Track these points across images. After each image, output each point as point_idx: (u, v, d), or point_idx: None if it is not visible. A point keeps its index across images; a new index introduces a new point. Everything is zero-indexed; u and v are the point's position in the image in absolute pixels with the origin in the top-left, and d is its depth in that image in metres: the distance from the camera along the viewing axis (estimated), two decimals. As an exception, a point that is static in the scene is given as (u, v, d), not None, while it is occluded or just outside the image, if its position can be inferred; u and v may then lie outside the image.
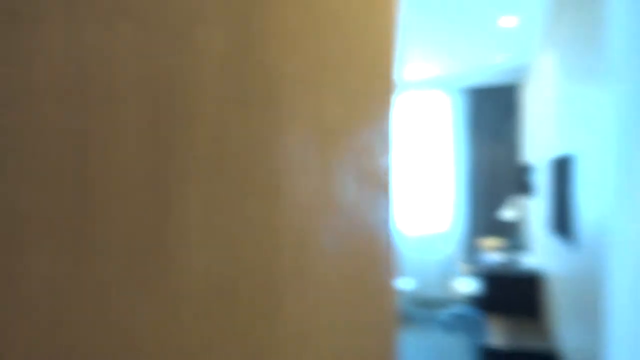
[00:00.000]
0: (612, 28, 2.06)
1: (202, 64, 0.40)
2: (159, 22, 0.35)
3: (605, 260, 2.13)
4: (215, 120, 0.41)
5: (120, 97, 0.32)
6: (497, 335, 3.63)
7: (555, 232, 3.45)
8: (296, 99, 0.55)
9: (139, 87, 0.34)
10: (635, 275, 1.76)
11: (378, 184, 0.96)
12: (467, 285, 5.15)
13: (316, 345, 0.62)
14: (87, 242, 0.30)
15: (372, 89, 0.93)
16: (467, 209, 6.12)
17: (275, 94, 0.51)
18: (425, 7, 3.90)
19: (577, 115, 2.79)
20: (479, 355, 3.40)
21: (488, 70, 5.76)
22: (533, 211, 4.73)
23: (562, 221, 3.16)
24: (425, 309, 5.80)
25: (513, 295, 4.12)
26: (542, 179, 4.13)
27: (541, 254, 4.18)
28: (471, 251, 6.08)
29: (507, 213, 5.45)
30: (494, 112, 6.04)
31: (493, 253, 5.05)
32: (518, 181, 5.98)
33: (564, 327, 3.15)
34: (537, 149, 4.46)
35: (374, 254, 0.86)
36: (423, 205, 6.31)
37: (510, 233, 5.83)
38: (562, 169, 3.13)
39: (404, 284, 5.50)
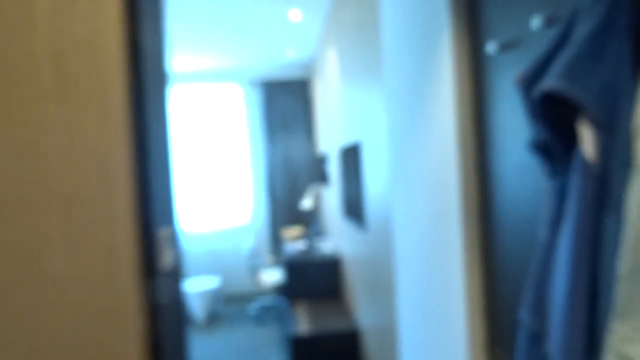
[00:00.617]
0: (384, 29, 2.19)
1: None
2: None
3: (392, 240, 2.27)
4: None
5: None
6: (302, 322, 3.71)
7: (347, 217, 3.66)
8: None
9: None
10: (406, 252, 1.90)
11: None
12: (273, 276, 5.20)
13: None
14: None
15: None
16: (268, 201, 6.20)
17: None
18: (213, -6, 3.73)
19: (360, 108, 2.95)
20: (287, 344, 3.42)
21: (281, 63, 5.88)
22: (329, 199, 4.99)
23: (353, 205, 3.35)
24: (233, 305, 5.69)
25: (315, 280, 4.28)
26: (334, 168, 4.36)
27: (338, 238, 4.42)
28: (275, 242, 6.19)
29: (307, 202, 5.67)
30: (289, 105, 6.21)
31: (294, 242, 5.19)
32: (316, 171, 6.27)
33: (362, 306, 3.35)
34: (329, 140, 4.69)
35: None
36: (222, 200, 6.17)
37: (311, 221, 6.10)
38: (350, 157, 3.31)
39: (207, 282, 5.30)
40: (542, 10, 1.04)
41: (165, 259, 1.50)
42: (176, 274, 1.68)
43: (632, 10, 0.73)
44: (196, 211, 6.13)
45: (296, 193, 6.20)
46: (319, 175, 5.74)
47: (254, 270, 5.07)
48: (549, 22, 0.98)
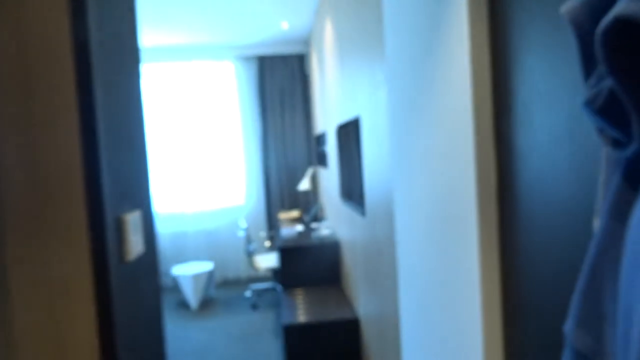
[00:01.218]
0: (384, 3, 1.94)
1: None
2: None
3: (394, 224, 2.06)
4: None
5: None
6: (298, 309, 3.52)
7: (346, 200, 3.44)
8: None
9: None
10: (409, 237, 1.69)
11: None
12: (269, 261, 5.01)
13: None
14: None
15: None
16: (263, 183, 5.97)
17: None
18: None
19: (358, 80, 2.71)
20: (282, 332, 3.23)
21: (276, 37, 5.60)
22: (327, 180, 4.77)
23: (351, 187, 3.13)
24: (228, 290, 5.52)
25: (313, 266, 4.08)
26: (332, 147, 4.12)
27: (337, 222, 4.21)
28: (271, 226, 5.98)
29: (304, 184, 5.45)
30: (285, 81, 5.94)
31: (291, 226, 4.99)
32: (314, 151, 6.03)
33: (361, 294, 3.16)
34: (327, 116, 4.45)
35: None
36: (215, 180, 5.95)
37: (308, 204, 5.88)
38: (349, 134, 3.08)
39: (201, 266, 5.11)
40: None
41: (131, 247, 1.28)
42: (147, 263, 1.46)
43: None
44: (188, 191, 5.92)
45: (293, 174, 5.98)
46: (317, 156, 5.51)
47: (249, 254, 4.88)
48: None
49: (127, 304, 1.26)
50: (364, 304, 3.05)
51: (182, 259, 5.87)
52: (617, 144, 0.65)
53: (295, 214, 5.52)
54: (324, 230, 4.39)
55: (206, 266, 5.20)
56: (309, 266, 4.08)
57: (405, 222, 1.85)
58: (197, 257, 5.89)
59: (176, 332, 4.37)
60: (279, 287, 5.02)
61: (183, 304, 5.10)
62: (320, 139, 5.10)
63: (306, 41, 5.88)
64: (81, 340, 1.06)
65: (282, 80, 5.96)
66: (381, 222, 2.34)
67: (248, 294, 5.30)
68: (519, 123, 1.08)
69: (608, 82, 0.62)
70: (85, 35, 1.02)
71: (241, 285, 5.73)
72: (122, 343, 1.17)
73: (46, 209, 1.04)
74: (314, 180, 5.79)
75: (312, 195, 5.80)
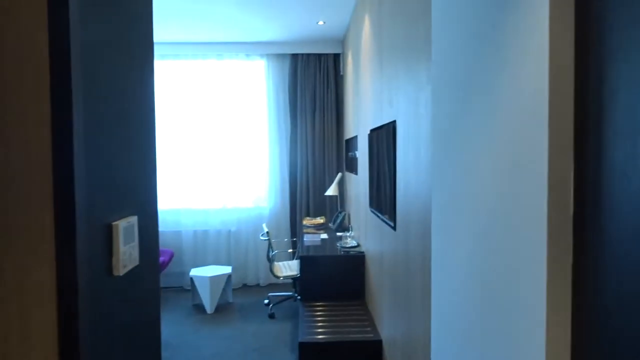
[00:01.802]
0: (435, 5, 1.69)
1: None
2: None
3: (430, 240, 1.80)
4: None
5: None
6: (318, 324, 3.28)
7: (375, 209, 3.19)
8: None
9: None
10: (448, 254, 1.43)
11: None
12: (290, 268, 4.78)
13: None
14: None
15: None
16: (289, 186, 5.76)
17: None
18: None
19: (397, 81, 2.46)
20: (300, 348, 2.99)
21: (311, 35, 5.39)
22: (355, 187, 4.53)
23: (382, 197, 2.88)
24: (245, 296, 5.32)
25: (335, 278, 3.84)
26: (362, 153, 3.88)
27: (363, 232, 3.96)
28: (295, 232, 5.76)
29: (331, 190, 5.21)
30: (317, 81, 5.72)
31: (315, 233, 4.76)
32: (343, 156, 5.79)
33: (387, 313, 2.90)
34: (359, 120, 4.21)
35: None
36: (239, 181, 5.77)
37: (334, 211, 5.64)
38: (381, 139, 2.83)
39: (218, 268, 4.93)
40: None
41: (121, 259, 1.07)
42: (143, 276, 1.25)
43: None
44: (212, 189, 5.75)
45: (320, 179, 5.74)
46: (346, 161, 5.27)
47: (269, 260, 4.66)
48: None
49: (113, 327, 1.04)
50: (388, 324, 2.79)
51: (201, 260, 5.70)
52: None
53: (320, 220, 5.28)
54: (349, 240, 4.14)
55: (224, 269, 5.01)
56: (332, 278, 3.84)
57: (445, 240, 1.59)
58: (216, 259, 5.71)
59: (189, 337, 4.19)
60: (299, 297, 4.79)
61: (199, 307, 4.92)
62: (350, 143, 4.86)
63: (341, 40, 5.65)
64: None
65: (314, 80, 5.74)
66: (414, 238, 2.09)
67: (266, 301, 5.08)
68: (618, 132, 0.81)
69: None
70: (62, 31, 0.82)
71: (259, 292, 5.52)
72: (99, 378, 0.96)
73: (7, 213, 0.83)
74: (341, 186, 5.54)
75: (338, 203, 5.55)
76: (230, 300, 5.12)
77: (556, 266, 0.94)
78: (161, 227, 5.67)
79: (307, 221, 5.30)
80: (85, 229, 0.90)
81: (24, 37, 0.82)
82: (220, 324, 4.49)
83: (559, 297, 0.94)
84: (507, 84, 1.11)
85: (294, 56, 5.70)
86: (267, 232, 4.67)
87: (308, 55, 5.70)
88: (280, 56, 5.75)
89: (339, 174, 5.34)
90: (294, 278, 4.62)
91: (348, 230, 4.62)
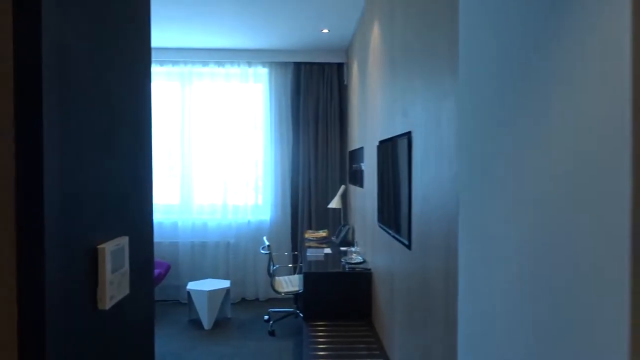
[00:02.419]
0: (463, 9, 1.54)
1: None
2: None
3: (454, 259, 1.63)
4: None
5: None
6: (321, 346, 3.09)
7: (384, 225, 3.01)
8: None
9: None
10: (484, 275, 1.26)
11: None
12: (292, 284, 4.59)
13: None
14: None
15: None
16: (291, 197, 5.58)
17: None
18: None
19: (412, 90, 2.30)
20: (302, 372, 2.80)
21: (315, 44, 5.25)
22: (361, 201, 4.35)
23: (393, 212, 2.71)
24: (244, 311, 5.12)
25: (340, 296, 3.65)
26: (370, 165, 3.71)
27: (370, 248, 3.78)
28: (296, 245, 5.57)
29: (334, 203, 5.04)
30: (321, 90, 5.57)
31: (319, 247, 4.57)
32: (347, 168, 5.63)
33: (399, 338, 2.71)
34: (365, 131, 4.05)
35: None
36: (239, 190, 5.59)
37: (338, 225, 5.46)
38: (393, 151, 2.66)
39: (216, 282, 4.74)
40: None
41: (107, 289, 0.90)
42: (135, 308, 1.07)
43: None
44: (210, 199, 5.58)
45: (323, 191, 5.57)
46: (351, 173, 5.10)
47: (270, 274, 4.48)
48: None
49: (94, 372, 0.86)
50: (400, 347, 2.60)
51: (198, 272, 5.50)
52: None
53: (322, 234, 5.10)
54: (354, 256, 3.96)
55: (223, 283, 4.82)
56: (336, 296, 3.65)
57: (478, 262, 1.42)
58: (214, 272, 5.51)
59: (185, 354, 3.98)
60: (300, 314, 4.59)
61: (195, 322, 4.72)
62: (355, 155, 4.70)
63: (346, 49, 5.52)
64: None
65: (318, 90, 5.59)
66: (435, 259, 1.91)
67: (266, 317, 4.88)
68: None
69: None
70: (33, 36, 0.66)
71: (259, 307, 5.32)
72: None
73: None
74: (345, 199, 5.37)
75: (342, 216, 5.37)
76: (229, 315, 4.91)
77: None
78: (157, 238, 5.48)
79: (309, 234, 5.12)
80: (59, 253, 0.73)
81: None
82: (218, 341, 4.28)
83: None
84: (568, 87, 0.94)
85: (297, 65, 5.56)
86: (269, 246, 4.49)
87: (311, 64, 5.55)
88: (282, 64, 5.61)
89: (342, 187, 5.17)
90: (295, 294, 4.43)
91: (353, 245, 4.44)
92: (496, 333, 1.29)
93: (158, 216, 5.51)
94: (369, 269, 3.69)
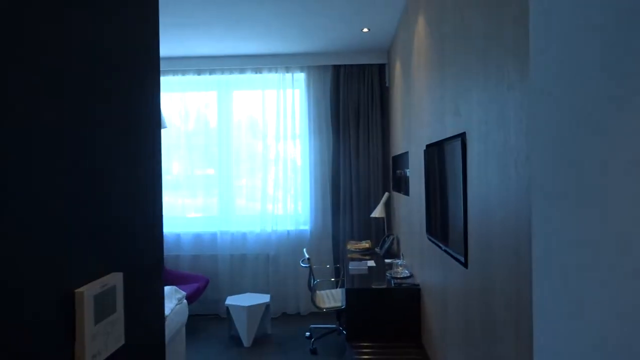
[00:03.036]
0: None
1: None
2: None
3: (525, 276, 1.33)
4: None
5: None
6: (368, 372, 2.81)
7: (434, 237, 2.72)
8: None
9: None
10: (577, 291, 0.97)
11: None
12: (334, 299, 4.34)
13: None
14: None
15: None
16: (332, 206, 5.33)
17: None
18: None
19: (466, 89, 2.02)
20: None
21: (355, 45, 5.01)
22: (407, 210, 4.06)
23: (444, 223, 2.41)
24: (285, 327, 4.90)
25: (386, 313, 3.36)
26: (416, 171, 3.42)
27: (418, 261, 3.48)
28: (338, 256, 5.32)
29: (377, 212, 4.76)
30: (361, 94, 5.32)
31: (362, 258, 4.30)
32: (391, 175, 5.34)
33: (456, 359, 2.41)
34: (411, 135, 3.77)
35: None
36: (278, 201, 5.39)
37: (382, 235, 5.17)
38: (444, 155, 2.38)
39: (256, 296, 4.55)
40: None
41: (88, 345, 0.69)
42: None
43: None
44: (246, 211, 5.41)
45: (365, 199, 5.30)
46: (394, 180, 4.81)
47: (311, 289, 4.24)
48: None
49: None
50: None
51: (237, 286, 5.33)
52: None
53: (365, 245, 4.83)
54: (400, 269, 3.67)
55: (263, 298, 4.62)
56: (382, 314, 3.37)
57: (563, 294, 1.13)
58: (254, 285, 5.33)
59: (223, 375, 3.80)
60: (344, 331, 4.33)
61: (235, 339, 4.54)
62: (399, 161, 4.41)
63: (387, 49, 5.25)
64: None
65: (358, 93, 5.34)
66: (500, 279, 1.62)
67: (307, 334, 4.64)
68: None
69: None
70: None
71: (300, 321, 5.09)
72: None
73: None
74: (388, 207, 5.08)
75: (386, 226, 5.08)
76: (269, 331, 4.71)
77: None
78: (196, 251, 5.37)
79: (351, 245, 4.86)
80: (11, 303, 0.51)
81: None
82: (257, 357, 4.08)
83: None
84: None
85: (336, 68, 5.34)
86: (309, 259, 4.26)
87: (351, 66, 5.32)
88: (321, 68, 5.40)
89: (386, 194, 4.88)
90: (338, 310, 4.17)
91: (398, 258, 4.15)
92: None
93: (197, 229, 5.40)
94: (417, 285, 3.39)
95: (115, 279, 0.78)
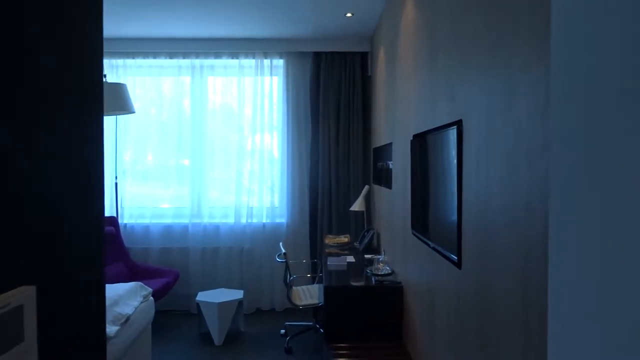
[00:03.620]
0: None
1: None
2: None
3: (536, 282, 1.16)
4: None
5: None
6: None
7: (421, 233, 2.55)
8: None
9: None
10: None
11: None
12: (311, 296, 4.15)
13: None
14: None
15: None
16: (310, 199, 5.13)
17: None
18: None
19: (465, 71, 1.84)
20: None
21: (336, 32, 4.79)
22: (389, 204, 3.89)
23: (432, 219, 2.24)
24: (258, 324, 4.70)
25: (365, 312, 3.19)
26: (400, 163, 3.25)
27: (400, 257, 3.31)
28: (316, 251, 5.12)
29: (357, 205, 4.58)
30: (342, 82, 5.11)
31: (341, 253, 4.12)
32: (372, 167, 5.16)
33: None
34: (395, 125, 3.59)
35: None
36: (253, 192, 5.16)
37: (361, 229, 4.99)
38: (435, 147, 2.20)
39: (228, 292, 4.33)
40: None
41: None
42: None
43: None
44: (219, 203, 5.17)
45: (344, 192, 5.11)
46: (375, 172, 4.64)
47: (287, 284, 4.05)
48: None
49: None
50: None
51: (210, 281, 5.08)
52: None
53: (344, 239, 4.65)
54: (381, 266, 3.50)
55: (235, 294, 4.40)
56: (361, 312, 3.19)
57: (587, 293, 0.96)
58: (227, 280, 5.09)
59: (192, 376, 3.57)
60: (320, 329, 4.15)
61: (206, 337, 4.31)
62: (381, 152, 4.23)
63: (370, 37, 5.05)
64: None
65: (339, 82, 5.13)
66: (502, 283, 1.45)
67: (282, 331, 4.45)
68: None
69: None
70: None
71: (275, 318, 4.89)
72: None
73: None
74: (368, 201, 4.90)
75: (365, 219, 4.91)
76: (242, 329, 4.49)
77: None
78: (166, 244, 5.09)
79: (329, 240, 4.67)
80: None
81: None
82: (229, 356, 3.87)
83: None
84: None
85: (317, 55, 5.11)
86: (285, 254, 4.06)
87: (332, 53, 5.10)
88: (301, 55, 5.16)
89: (366, 187, 4.70)
90: (315, 305, 3.99)
91: (378, 253, 3.98)
92: None
93: (167, 220, 5.13)
94: (399, 282, 3.23)
95: (22, 296, 0.56)
